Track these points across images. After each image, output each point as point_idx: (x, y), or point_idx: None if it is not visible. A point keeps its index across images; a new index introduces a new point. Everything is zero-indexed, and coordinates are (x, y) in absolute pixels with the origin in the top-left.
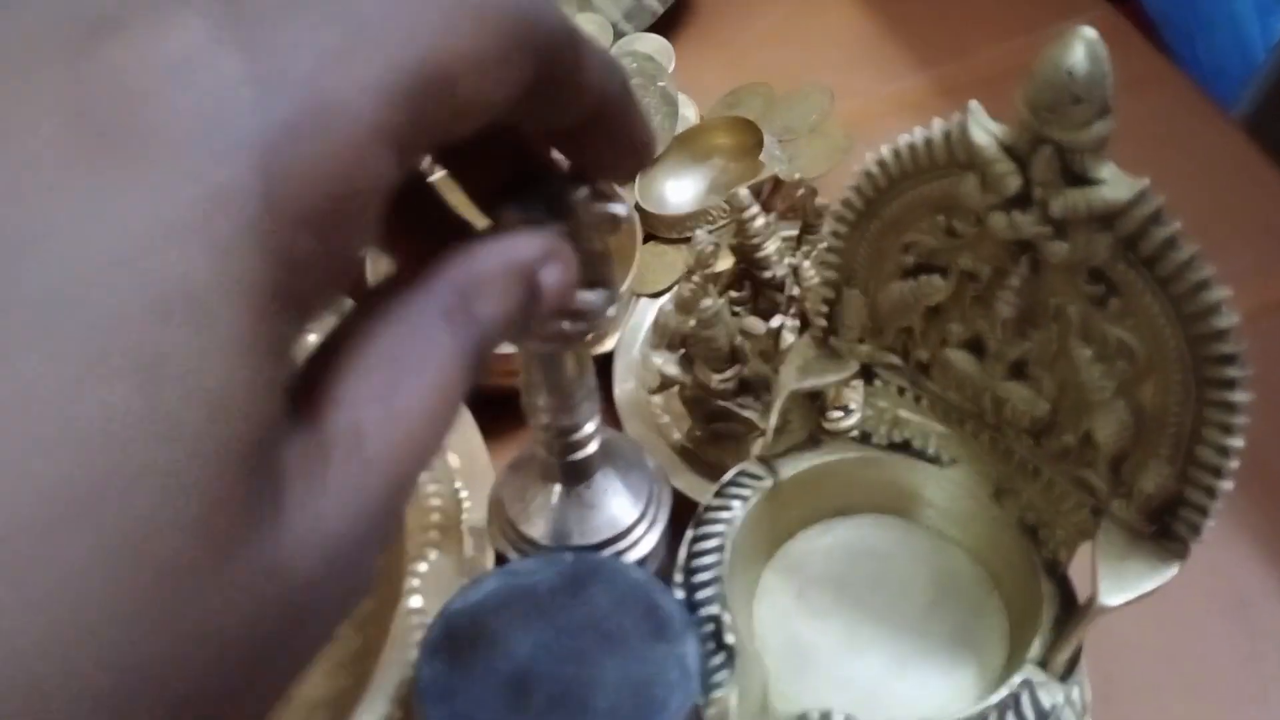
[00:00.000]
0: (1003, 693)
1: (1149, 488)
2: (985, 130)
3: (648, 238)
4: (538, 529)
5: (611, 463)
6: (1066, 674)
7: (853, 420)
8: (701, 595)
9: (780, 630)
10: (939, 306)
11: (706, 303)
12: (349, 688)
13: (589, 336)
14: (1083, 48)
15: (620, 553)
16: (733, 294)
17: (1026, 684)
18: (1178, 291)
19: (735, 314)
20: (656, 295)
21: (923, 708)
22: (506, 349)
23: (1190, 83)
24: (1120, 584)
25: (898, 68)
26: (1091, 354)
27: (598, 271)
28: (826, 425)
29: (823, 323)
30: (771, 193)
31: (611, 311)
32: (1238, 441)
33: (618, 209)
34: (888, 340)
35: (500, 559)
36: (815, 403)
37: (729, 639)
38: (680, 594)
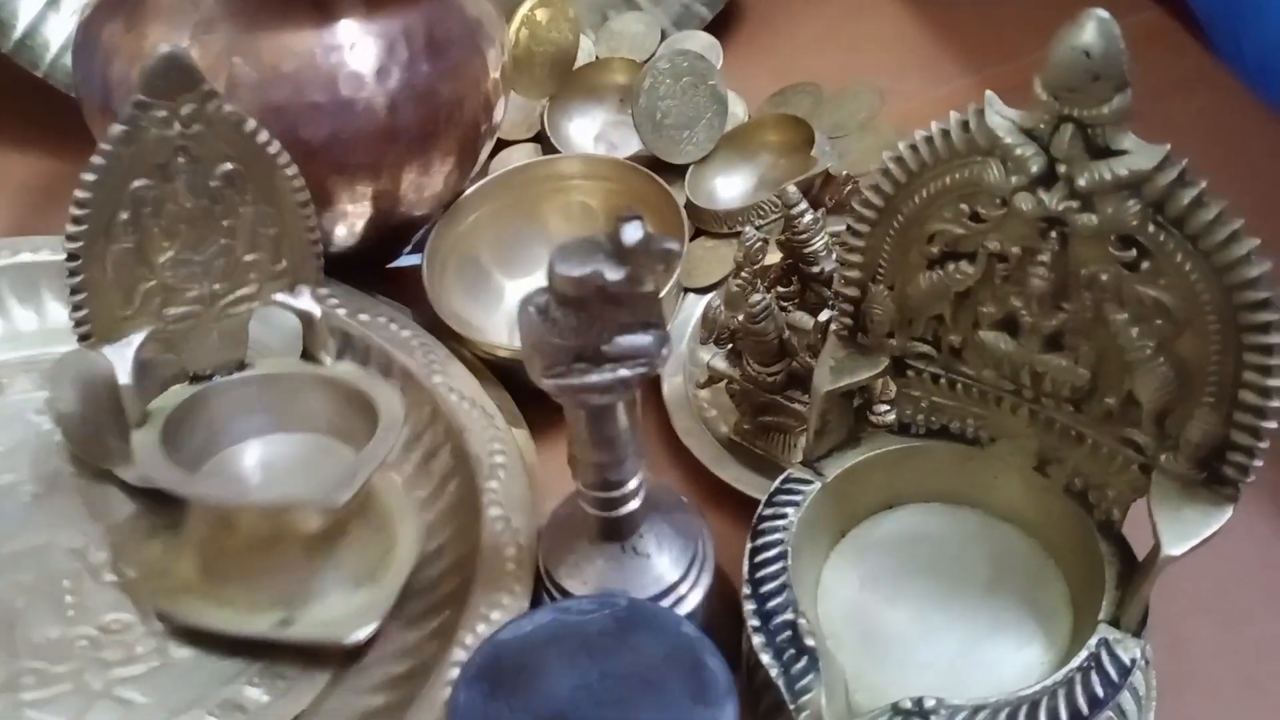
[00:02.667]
0: (1084, 654)
1: (1196, 437)
2: (1003, 116)
3: (698, 233)
4: (579, 587)
5: (656, 518)
6: (1139, 629)
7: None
8: (772, 604)
9: (849, 626)
10: (969, 291)
11: (756, 298)
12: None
13: (643, 378)
14: (1096, 27)
15: None
16: (780, 289)
17: (1104, 643)
18: (1208, 246)
19: (783, 309)
20: (705, 290)
21: (1000, 682)
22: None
23: (1237, 83)
24: (1180, 532)
25: (947, 70)
26: (1127, 316)
27: (651, 313)
28: (874, 419)
29: (849, 321)
30: (823, 188)
31: (666, 352)
32: (1278, 381)
33: (672, 244)
34: (918, 331)
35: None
36: (852, 401)
37: (809, 642)
38: (750, 605)
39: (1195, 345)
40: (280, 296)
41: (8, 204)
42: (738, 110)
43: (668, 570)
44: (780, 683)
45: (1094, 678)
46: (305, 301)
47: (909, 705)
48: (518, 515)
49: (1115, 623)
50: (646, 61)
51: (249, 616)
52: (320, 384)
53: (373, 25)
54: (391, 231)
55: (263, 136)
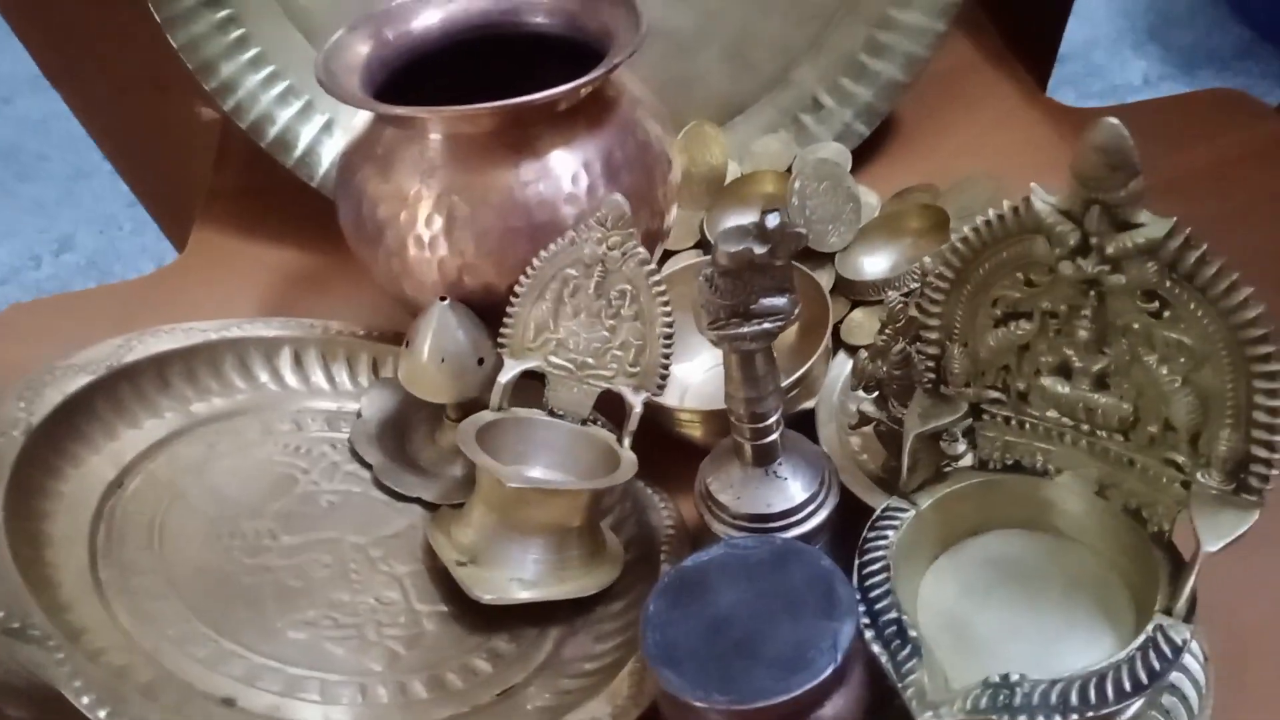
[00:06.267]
0: (1141, 638)
1: (1223, 452)
2: (1045, 202)
3: (856, 303)
4: (729, 498)
5: (793, 452)
6: (1189, 616)
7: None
8: (879, 606)
9: (945, 630)
10: (1028, 344)
11: (898, 348)
12: None
13: (780, 330)
14: (1108, 130)
15: (796, 523)
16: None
17: (1159, 627)
18: (1214, 295)
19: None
20: (857, 349)
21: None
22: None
23: None
24: (1217, 534)
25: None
26: (1157, 356)
27: (786, 281)
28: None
29: (932, 375)
30: None
31: (797, 312)
32: None
33: (801, 229)
34: (990, 380)
35: (705, 528)
36: (939, 442)
37: (912, 632)
38: (862, 607)
39: (1214, 377)
40: (624, 388)
41: (271, 286)
42: (873, 202)
43: (799, 492)
44: (889, 668)
45: (1151, 654)
46: (637, 400)
47: (998, 679)
48: None
49: (1168, 612)
50: (787, 171)
51: (449, 548)
52: (610, 452)
53: (563, 158)
54: None
55: (655, 279)
